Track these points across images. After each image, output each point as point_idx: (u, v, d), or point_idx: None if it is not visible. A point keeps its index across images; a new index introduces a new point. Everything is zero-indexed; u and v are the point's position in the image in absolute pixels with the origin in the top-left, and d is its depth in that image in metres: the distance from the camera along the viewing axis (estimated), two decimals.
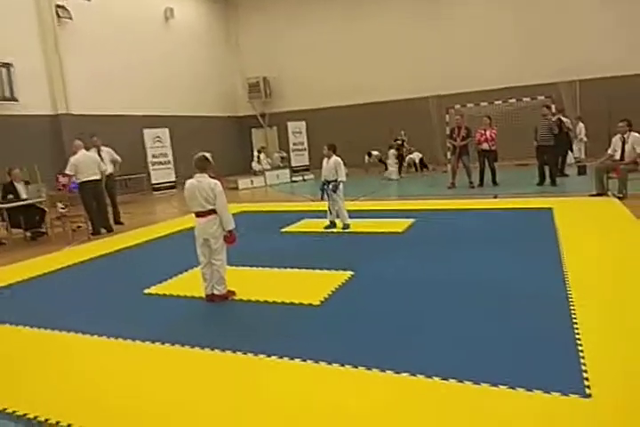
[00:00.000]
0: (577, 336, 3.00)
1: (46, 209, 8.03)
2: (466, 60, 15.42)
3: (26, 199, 7.80)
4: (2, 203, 7.59)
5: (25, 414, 2.56)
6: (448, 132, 11.10)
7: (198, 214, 4.05)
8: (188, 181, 4.11)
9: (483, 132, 10.54)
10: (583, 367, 2.63)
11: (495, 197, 8.97)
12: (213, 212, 4.02)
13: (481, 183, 10.61)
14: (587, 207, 7.37)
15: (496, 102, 13.91)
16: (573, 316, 3.32)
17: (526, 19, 14.82)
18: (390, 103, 16.55)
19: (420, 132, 15.68)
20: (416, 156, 15.00)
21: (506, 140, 12.75)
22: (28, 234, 7.92)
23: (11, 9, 11.28)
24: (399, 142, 14.41)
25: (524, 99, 13.62)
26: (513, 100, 13.88)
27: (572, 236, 5.55)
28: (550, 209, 7.16)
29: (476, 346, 3.02)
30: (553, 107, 11.23)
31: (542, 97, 13.04)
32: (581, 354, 2.78)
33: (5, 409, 2.63)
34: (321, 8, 17.31)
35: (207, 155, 4.08)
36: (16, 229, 7.74)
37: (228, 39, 18.62)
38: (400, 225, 6.76)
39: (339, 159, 6.65)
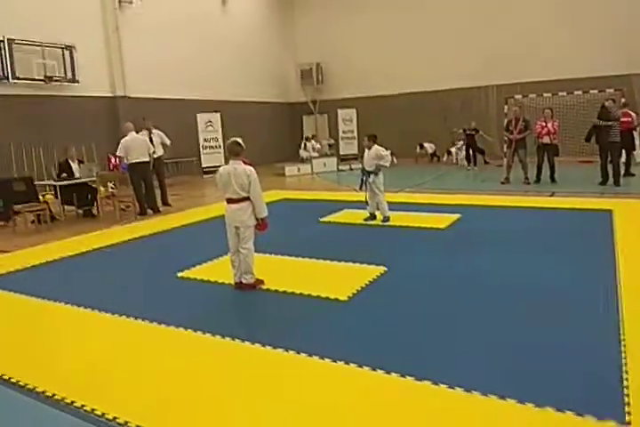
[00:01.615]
0: (623, 355, 2.72)
1: (98, 188, 8.32)
2: (529, 48, 14.53)
3: (79, 178, 8.11)
4: (57, 180, 7.94)
5: (44, 392, 2.62)
6: (505, 125, 10.53)
7: (230, 201, 4.01)
8: (222, 167, 4.07)
9: (544, 124, 9.91)
10: (625, 391, 2.37)
11: (552, 196, 8.45)
12: (246, 199, 3.97)
13: (538, 180, 10.03)
14: None
15: (560, 94, 13.05)
16: (621, 331, 3.02)
17: (593, 5, 13.76)
18: (445, 92, 15.95)
19: (477, 124, 15.01)
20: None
21: (569, 134, 11.98)
22: (80, 211, 8.25)
23: None
24: (472, 131, 13.72)
25: (592, 91, 12.71)
26: (579, 92, 12.96)
27: (631, 241, 5.10)
28: (610, 211, 6.64)
29: (506, 356, 2.80)
30: (621, 100, 10.41)
31: (612, 90, 12.11)
32: (625, 376, 2.51)
33: (26, 385, 2.70)
34: None
35: (239, 140, 4.01)
36: (68, 207, 8.09)
37: (282, 24, 18.51)
38: (444, 221, 6.48)
39: (380, 148, 6.43)
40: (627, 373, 2.53)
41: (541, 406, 2.27)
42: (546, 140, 9.88)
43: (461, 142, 13.86)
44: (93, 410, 2.42)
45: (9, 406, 2.56)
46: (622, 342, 2.88)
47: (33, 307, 4.00)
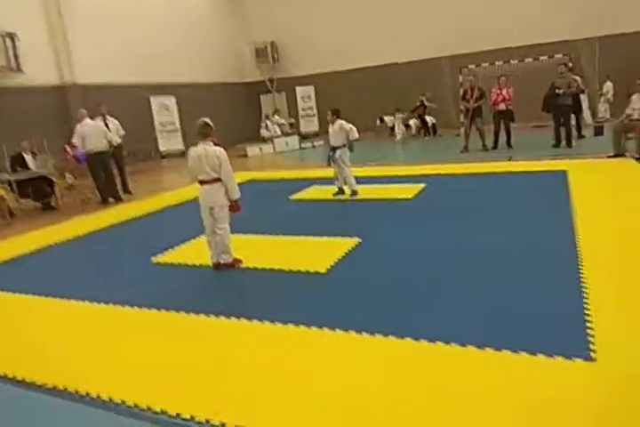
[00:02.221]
0: (585, 301, 2.95)
1: (55, 180, 8.05)
2: (479, 17, 14.68)
3: (34, 170, 7.82)
4: (11, 174, 7.63)
5: (23, 379, 2.62)
6: (461, 94, 10.73)
7: (203, 182, 4.00)
8: (193, 149, 4.04)
9: (499, 91, 10.18)
10: (589, 332, 2.59)
11: (509, 160, 8.76)
12: (218, 180, 3.97)
13: (495, 146, 10.34)
14: (603, 169, 7.16)
15: (512, 61, 13.35)
16: (582, 280, 3.25)
17: None
18: (402, 65, 16.02)
19: (433, 95, 15.22)
20: (429, 120, 14.68)
21: (522, 100, 12.31)
22: (38, 204, 7.99)
23: None
24: (419, 103, 14.03)
25: (541, 57, 13.07)
26: (529, 60, 13.32)
27: (586, 198, 5.40)
28: (565, 171, 6.97)
29: (481, 311, 2.99)
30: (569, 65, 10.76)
31: (560, 55, 12.48)
32: (588, 318, 2.73)
33: (6, 375, 2.69)
34: None
35: (208, 120, 3.98)
36: (26, 201, 7.81)
37: (234, 3, 17.99)
38: (410, 191, 6.65)
39: (343, 122, 6.48)
40: (589, 316, 2.75)
41: (516, 351, 2.46)
42: (501, 106, 10.16)
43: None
44: (88, 394, 2.45)
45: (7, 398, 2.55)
46: (584, 289, 3.10)
47: (6, 301, 3.92)
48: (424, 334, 2.70)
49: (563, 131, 9.67)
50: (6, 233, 6.43)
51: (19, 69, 10.91)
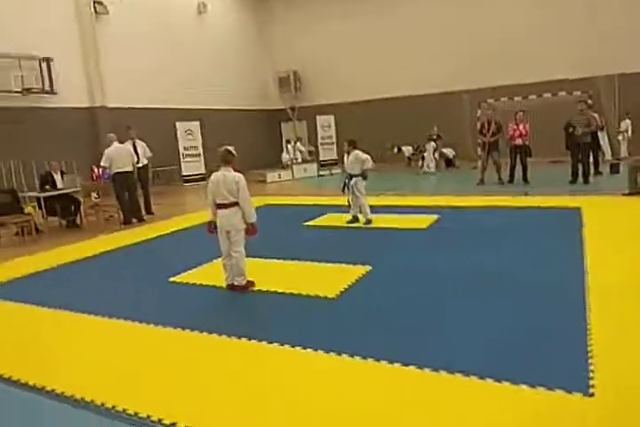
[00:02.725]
0: (588, 336, 2.99)
1: (81, 199, 8.37)
2: (500, 54, 15.05)
3: (62, 189, 8.15)
4: (40, 192, 7.96)
5: (53, 390, 2.75)
6: (478, 128, 10.92)
7: (221, 206, 4.18)
8: (214, 174, 4.24)
9: (516, 127, 10.34)
10: (590, 367, 2.63)
11: (525, 195, 8.82)
12: (236, 204, 4.15)
13: (511, 180, 10.43)
14: (617, 206, 7.19)
15: (530, 97, 13.56)
16: (587, 315, 3.30)
17: (563, 7, 14.35)
18: (421, 97, 16.39)
19: (451, 128, 15.47)
20: (449, 152, 14.87)
21: (540, 135, 12.44)
22: (64, 222, 8.28)
23: (51, 5, 11.71)
24: (435, 135, 14.27)
25: (560, 93, 13.26)
26: (548, 95, 13.51)
27: (598, 235, 5.44)
28: (579, 208, 7.01)
29: (486, 340, 3.05)
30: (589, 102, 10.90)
31: (579, 92, 12.65)
32: (590, 354, 2.77)
33: (44, 387, 2.82)
34: (351, 1, 17.22)
35: (231, 148, 4.20)
36: (52, 217, 8.12)
37: (259, 33, 18.77)
38: (424, 221, 6.75)
39: (359, 152, 6.69)
40: (591, 352, 2.79)
41: (517, 383, 2.51)
42: (518, 141, 10.30)
43: (433, 144, 14.20)
44: (103, 404, 2.56)
45: (27, 406, 2.68)
46: (588, 326, 3.15)
47: (29, 314, 4.10)
48: (428, 361, 2.77)
49: (580, 167, 9.73)
50: (32, 248, 6.70)
51: (52, 92, 11.49)
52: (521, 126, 10.30)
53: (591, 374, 2.55)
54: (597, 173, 10.75)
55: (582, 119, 9.66)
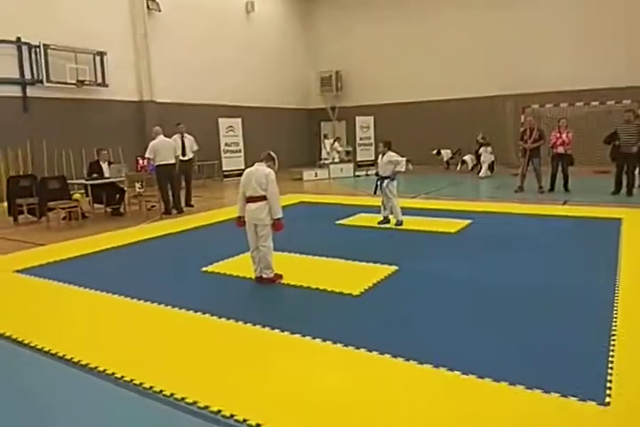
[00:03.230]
0: (612, 348, 2.97)
1: (125, 188, 8.76)
2: (548, 58, 14.70)
3: (108, 178, 8.56)
4: (88, 180, 8.39)
5: (96, 367, 2.97)
6: (520, 134, 10.72)
7: (250, 199, 4.33)
8: (247, 169, 4.41)
9: (558, 135, 10.11)
10: (609, 377, 2.62)
11: (564, 204, 8.63)
12: (264, 198, 4.28)
13: (551, 188, 10.20)
14: None
15: (577, 104, 13.18)
16: (614, 328, 3.26)
17: (614, 12, 13.84)
18: (463, 101, 16.18)
19: (492, 133, 15.21)
20: (489, 158, 14.62)
21: (585, 144, 12.09)
22: (108, 210, 8.69)
23: (107, 2, 12.25)
24: (482, 140, 14.09)
25: (609, 102, 12.83)
26: (595, 103, 13.10)
27: (636, 248, 5.30)
28: (620, 219, 6.82)
29: (505, 344, 3.07)
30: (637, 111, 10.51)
31: (629, 101, 12.21)
32: (610, 365, 2.76)
33: (80, 361, 3.05)
34: (395, 4, 17.17)
35: (273, 154, 4.36)
36: (98, 205, 8.53)
37: (304, 32, 18.98)
38: (455, 226, 6.73)
39: (393, 154, 6.73)
40: (612, 363, 2.78)
41: (531, 388, 2.53)
42: (560, 150, 10.06)
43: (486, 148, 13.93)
44: (132, 380, 2.75)
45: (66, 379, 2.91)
46: (613, 338, 3.11)
47: (72, 294, 4.38)
48: (445, 362, 2.82)
49: (625, 178, 9.43)
50: (78, 233, 7.08)
51: (104, 85, 12.02)
52: (564, 135, 10.06)
53: (609, 384, 2.54)
54: None
55: (630, 129, 9.34)
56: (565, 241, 5.94)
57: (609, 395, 2.45)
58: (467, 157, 15.01)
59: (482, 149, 13.85)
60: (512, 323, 3.44)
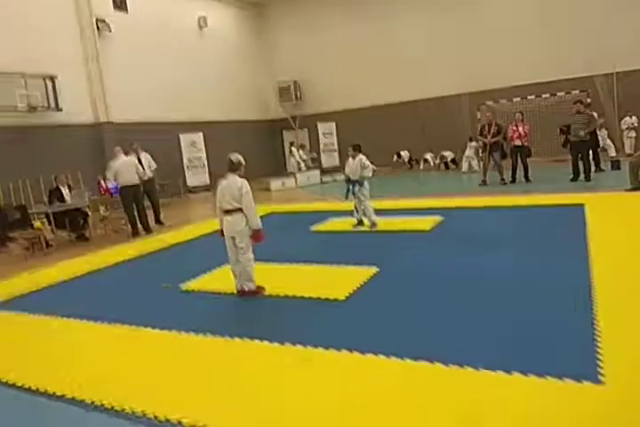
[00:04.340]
0: (595, 327, 3.05)
1: (89, 212, 8.49)
2: (498, 55, 15.18)
3: (70, 203, 8.28)
4: (50, 207, 8.09)
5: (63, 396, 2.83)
6: (479, 129, 11.03)
7: (226, 212, 4.26)
8: (221, 181, 4.33)
9: (515, 128, 10.45)
10: (598, 356, 2.68)
11: (527, 193, 8.88)
12: (240, 210, 4.22)
13: (513, 180, 10.53)
14: (620, 203, 7.23)
15: (529, 97, 13.67)
16: (594, 310, 3.34)
17: (556, 8, 14.46)
18: (420, 102, 16.52)
19: (451, 131, 15.59)
20: (449, 155, 15.00)
21: (541, 135, 12.53)
22: (73, 235, 8.39)
23: (55, 24, 11.96)
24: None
25: (559, 93, 13.37)
26: (547, 95, 13.63)
27: (602, 231, 5.49)
28: (582, 205, 7.06)
29: (493, 336, 3.11)
30: (586, 101, 11.00)
31: (577, 91, 12.76)
32: (598, 344, 2.83)
33: (64, 395, 2.90)
34: (345, 11, 17.44)
35: (234, 156, 4.29)
36: (61, 231, 8.23)
37: (259, 45, 19.02)
38: (427, 223, 6.82)
39: (364, 158, 6.78)
40: (599, 342, 2.85)
41: (526, 374, 2.57)
42: (517, 142, 10.41)
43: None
44: (115, 407, 2.64)
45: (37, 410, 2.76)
46: (595, 316, 3.20)
47: (48, 324, 4.18)
48: (438, 357, 2.83)
49: (581, 165, 9.80)
50: (43, 262, 6.80)
51: (57, 108, 11.68)
52: (520, 128, 10.40)
53: (600, 363, 2.60)
54: (599, 170, 10.80)
55: (581, 118, 9.73)
56: (534, 230, 6.10)
57: (601, 374, 2.51)
58: (427, 156, 15.34)
59: (469, 144, 13.91)
60: (496, 313, 3.49)
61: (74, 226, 8.34)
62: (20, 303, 4.88)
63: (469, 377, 2.62)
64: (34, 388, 2.98)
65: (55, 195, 8.41)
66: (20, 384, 3.05)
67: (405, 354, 2.90)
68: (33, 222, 8.22)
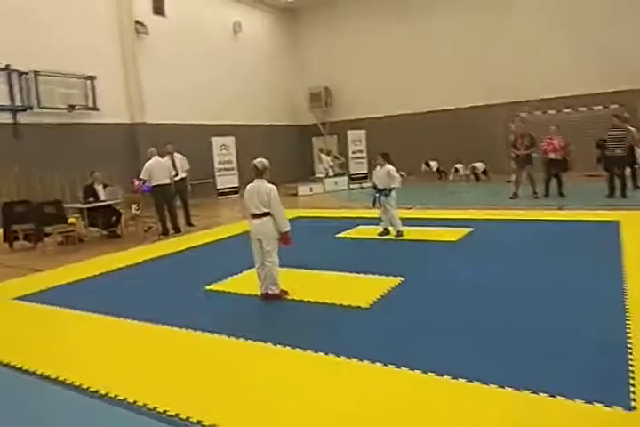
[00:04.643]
0: (629, 350, 2.94)
1: (122, 211, 8.69)
2: (536, 66, 14.90)
3: (104, 201, 8.49)
4: (84, 203, 8.32)
5: (106, 393, 2.88)
6: (512, 141, 10.83)
7: (254, 216, 4.31)
8: (249, 185, 4.38)
9: (549, 141, 10.22)
10: (631, 381, 2.58)
11: (560, 209, 8.67)
12: (267, 214, 4.26)
13: (546, 194, 10.27)
14: None
15: (565, 110, 13.38)
16: (628, 329, 3.23)
17: (600, 18, 14.11)
18: (452, 111, 16.36)
19: (483, 142, 15.37)
20: (480, 166, 14.76)
21: (576, 150, 12.21)
22: (105, 232, 8.60)
23: (96, 26, 12.36)
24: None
25: (596, 107, 13.05)
26: (583, 109, 13.31)
27: (638, 250, 5.30)
28: (617, 222, 6.85)
29: (522, 353, 3.03)
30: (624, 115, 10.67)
31: (616, 105, 12.42)
32: (631, 368, 2.72)
33: (89, 387, 2.97)
34: (381, 17, 17.44)
35: (259, 162, 4.34)
36: (94, 228, 8.45)
37: (292, 50, 19.21)
38: (455, 234, 6.72)
39: (392, 169, 6.75)
40: (633, 366, 2.74)
41: (554, 395, 2.49)
42: (552, 155, 10.16)
43: None
44: (139, 403, 2.67)
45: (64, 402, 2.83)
46: (629, 340, 3.09)
47: (75, 319, 4.28)
48: (462, 372, 2.77)
49: (617, 181, 9.52)
50: (75, 257, 6.99)
51: (95, 108, 12.03)
52: (555, 141, 10.16)
53: (632, 388, 2.51)
54: (637, 187, 10.46)
55: (617, 133, 9.46)
56: (565, 245, 5.93)
57: (634, 399, 2.41)
58: (458, 166, 15.15)
59: None
60: (522, 330, 3.40)
61: (106, 223, 8.55)
62: (47, 297, 5.00)
63: (494, 395, 2.56)
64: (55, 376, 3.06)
65: (90, 192, 8.64)
66: (39, 372, 3.13)
67: (428, 368, 2.85)
68: (67, 217, 8.44)
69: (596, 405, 2.39)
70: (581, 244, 5.97)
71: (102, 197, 8.57)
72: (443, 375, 2.77)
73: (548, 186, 10.30)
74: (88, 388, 2.92)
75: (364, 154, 16.62)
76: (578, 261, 5.14)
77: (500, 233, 6.86)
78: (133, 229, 8.65)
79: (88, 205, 8.21)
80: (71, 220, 8.52)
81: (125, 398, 2.75)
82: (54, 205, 8.20)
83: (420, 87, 16.76)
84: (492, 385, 2.63)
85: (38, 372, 3.19)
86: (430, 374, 2.80)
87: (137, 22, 13.16)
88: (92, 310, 4.41)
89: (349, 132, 16.39)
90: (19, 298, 5.00)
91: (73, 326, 4.15)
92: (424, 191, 13.02)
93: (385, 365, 2.95)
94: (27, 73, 10.68)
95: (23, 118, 10.76)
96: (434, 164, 16.01)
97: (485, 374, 2.74)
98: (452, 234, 6.72)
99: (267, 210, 4.25)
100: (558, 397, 2.47)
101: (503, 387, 2.61)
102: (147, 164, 8.44)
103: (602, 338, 3.18)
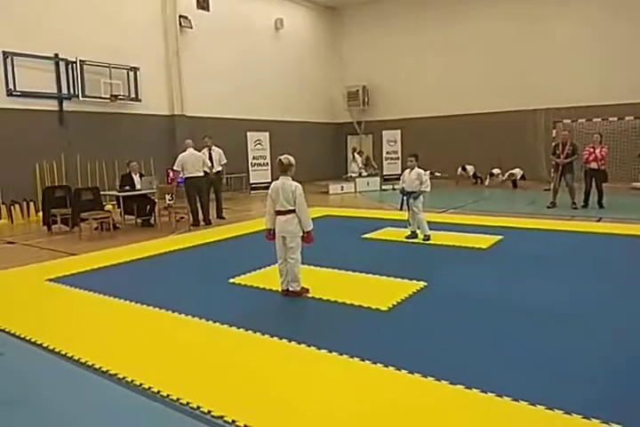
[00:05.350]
0: None
1: (156, 200, 8.91)
2: (580, 71, 14.43)
3: (139, 190, 8.73)
4: (120, 191, 8.58)
5: (116, 374, 2.98)
6: (552, 148, 10.51)
7: (279, 213, 4.34)
8: (274, 183, 4.42)
9: (592, 150, 9.87)
10: None
11: (598, 221, 8.36)
12: (292, 211, 4.29)
13: (585, 205, 9.92)
14: None
15: (610, 119, 12.89)
16: None
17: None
18: (491, 115, 16.00)
19: (522, 148, 14.99)
20: (518, 172, 14.38)
21: (620, 160, 11.78)
22: (139, 221, 8.84)
23: (141, 19, 12.68)
24: None
25: None
26: (630, 118, 12.78)
27: None
28: None
29: (538, 368, 2.94)
30: None
31: None
32: None
33: (108, 370, 3.07)
34: (420, 18, 17.24)
35: (285, 158, 4.36)
36: (129, 216, 8.70)
37: (332, 48, 19.21)
38: (485, 241, 6.59)
39: (422, 172, 6.69)
40: None
41: (569, 413, 2.41)
42: (593, 165, 9.82)
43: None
44: (156, 391, 2.74)
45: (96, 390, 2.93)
46: None
47: (101, 303, 4.43)
48: (477, 383, 2.72)
49: None
50: (109, 243, 7.24)
51: (137, 99, 12.36)
52: (597, 150, 9.80)
53: None
54: None
55: None
56: (601, 259, 5.71)
57: None
58: (495, 170, 14.81)
59: None
60: (542, 346, 3.27)
61: (141, 212, 8.79)
62: (78, 280, 5.18)
63: (507, 409, 2.49)
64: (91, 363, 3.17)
65: (126, 180, 8.91)
66: (63, 353, 3.25)
67: (442, 375, 2.81)
68: (104, 204, 8.71)
69: (613, 426, 2.30)
70: (618, 259, 5.74)
71: (138, 186, 8.81)
72: (455, 385, 2.72)
73: (588, 196, 9.95)
74: (107, 371, 3.01)
75: (399, 155, 16.46)
76: (612, 278, 4.93)
77: (533, 243, 6.67)
78: (166, 219, 8.86)
79: (124, 194, 8.46)
80: (107, 207, 8.81)
81: (141, 384, 2.83)
82: (92, 191, 8.47)
83: (459, 89, 16.47)
84: (505, 398, 2.56)
85: (57, 350, 3.32)
86: (444, 382, 2.76)
87: (181, 16, 13.43)
88: (119, 295, 4.55)
89: (384, 132, 16.27)
90: (51, 280, 5.20)
91: (98, 310, 4.28)
92: (458, 195, 12.79)
93: (398, 369, 2.92)
94: (74, 62, 11.06)
95: (68, 106, 11.17)
96: (470, 168, 15.72)
97: (499, 388, 2.67)
98: (483, 241, 6.58)
99: (291, 207, 4.28)
100: (593, 420, 2.37)
101: (517, 400, 2.54)
102: (180, 155, 8.62)
103: (627, 366, 3.04)
